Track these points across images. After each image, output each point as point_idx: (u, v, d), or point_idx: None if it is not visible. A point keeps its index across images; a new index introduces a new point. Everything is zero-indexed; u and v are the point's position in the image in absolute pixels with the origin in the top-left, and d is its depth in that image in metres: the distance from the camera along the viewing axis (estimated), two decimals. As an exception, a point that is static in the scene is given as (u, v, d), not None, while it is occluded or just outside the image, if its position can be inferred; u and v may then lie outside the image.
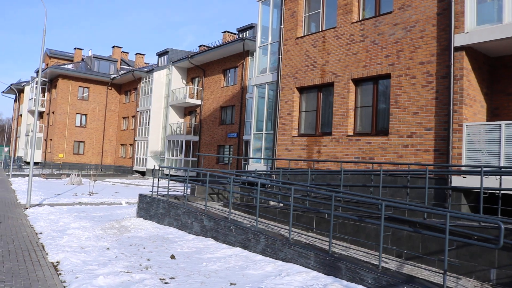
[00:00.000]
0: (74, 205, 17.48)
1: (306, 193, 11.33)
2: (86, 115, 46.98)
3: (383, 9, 12.64)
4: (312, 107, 14.46)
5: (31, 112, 51.81)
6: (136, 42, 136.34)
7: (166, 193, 12.60)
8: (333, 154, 13.21)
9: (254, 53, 16.97)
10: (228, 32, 42.98)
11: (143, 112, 43.18)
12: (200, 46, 43.23)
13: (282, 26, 15.46)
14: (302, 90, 14.85)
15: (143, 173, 43.40)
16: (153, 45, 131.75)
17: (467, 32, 10.37)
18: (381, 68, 12.22)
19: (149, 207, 12.72)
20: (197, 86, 39.39)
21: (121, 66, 51.54)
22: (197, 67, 38.76)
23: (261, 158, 14.90)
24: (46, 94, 49.61)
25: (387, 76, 12.20)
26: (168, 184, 12.45)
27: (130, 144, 46.07)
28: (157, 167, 42.36)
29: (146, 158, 42.36)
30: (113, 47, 52.46)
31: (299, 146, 14.37)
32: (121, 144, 48.14)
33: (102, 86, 47.67)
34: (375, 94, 12.61)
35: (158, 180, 13.08)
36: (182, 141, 37.74)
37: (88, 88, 46.90)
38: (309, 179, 11.45)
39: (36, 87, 50.81)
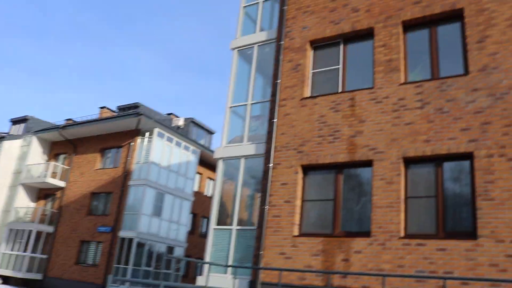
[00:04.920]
0: None
1: None
2: None
3: (445, 70, 9.60)
4: (327, 194, 10.09)
5: None
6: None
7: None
8: (375, 265, 8.79)
9: (224, 115, 12.32)
10: (107, 108, 36.91)
11: (-22, 191, 32.85)
12: (66, 119, 35.70)
13: (278, 81, 11.37)
14: (309, 169, 10.49)
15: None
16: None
17: None
18: (456, 145, 8.79)
19: None
20: (63, 164, 31.64)
21: (-47, 130, 40.25)
22: (67, 141, 31.41)
23: (241, 267, 9.51)
24: None
25: (466, 156, 8.78)
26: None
27: None
28: None
29: (-29, 252, 31.24)
30: None
31: (308, 251, 9.58)
32: None
33: None
34: (440, 179, 8.97)
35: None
36: (31, 232, 28.70)
37: None
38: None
39: None
